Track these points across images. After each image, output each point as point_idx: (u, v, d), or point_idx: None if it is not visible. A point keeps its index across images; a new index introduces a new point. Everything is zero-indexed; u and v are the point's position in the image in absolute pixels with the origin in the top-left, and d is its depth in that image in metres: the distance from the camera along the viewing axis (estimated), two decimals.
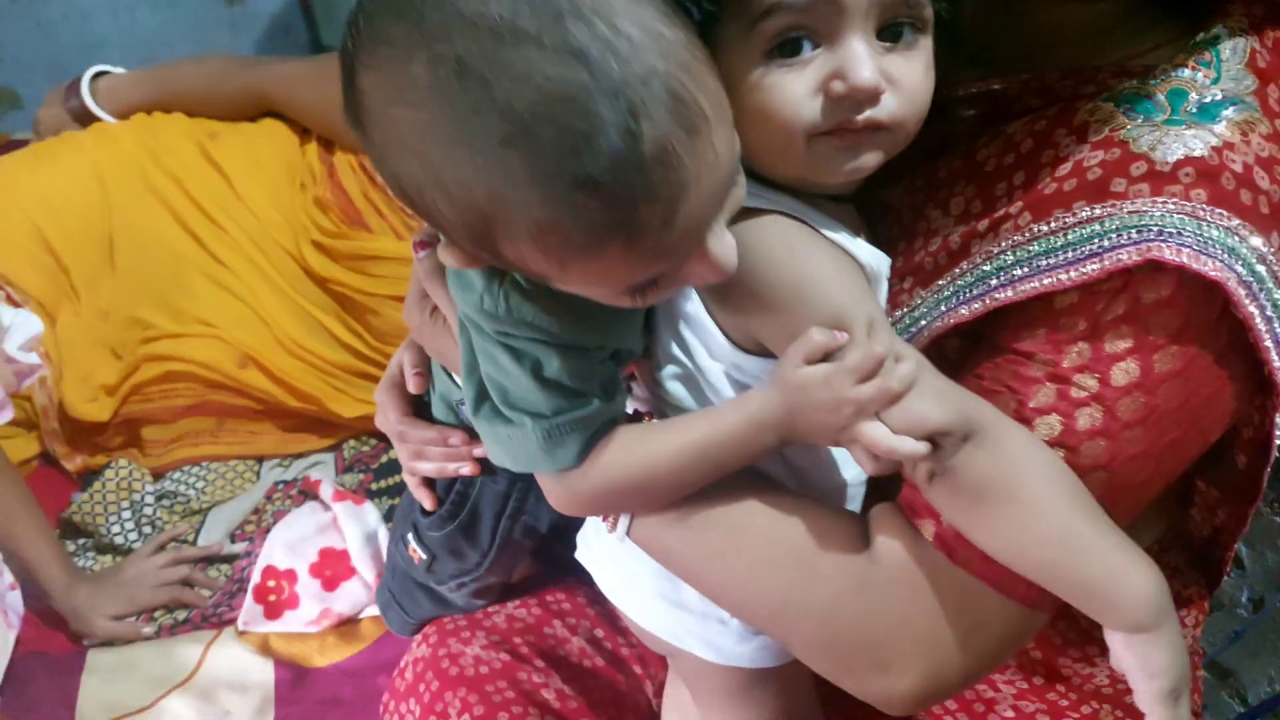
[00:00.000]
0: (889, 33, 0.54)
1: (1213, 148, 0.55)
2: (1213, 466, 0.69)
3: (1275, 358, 0.55)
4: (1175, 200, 0.54)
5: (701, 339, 0.62)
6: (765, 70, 0.54)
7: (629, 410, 0.67)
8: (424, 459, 0.81)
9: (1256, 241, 0.54)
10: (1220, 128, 0.56)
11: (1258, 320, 0.54)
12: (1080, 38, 0.64)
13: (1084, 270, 0.55)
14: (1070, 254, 0.56)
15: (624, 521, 0.67)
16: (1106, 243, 0.55)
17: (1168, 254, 0.53)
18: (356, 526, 1.30)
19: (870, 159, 0.57)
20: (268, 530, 1.34)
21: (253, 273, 1.42)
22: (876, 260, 0.62)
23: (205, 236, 1.43)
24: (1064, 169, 0.59)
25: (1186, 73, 0.59)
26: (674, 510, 0.63)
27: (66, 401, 1.39)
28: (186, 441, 1.45)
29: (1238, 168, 0.54)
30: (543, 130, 0.43)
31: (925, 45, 0.56)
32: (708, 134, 0.47)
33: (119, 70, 1.63)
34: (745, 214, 0.56)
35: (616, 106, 0.43)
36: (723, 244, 0.52)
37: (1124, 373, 0.55)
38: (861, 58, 0.53)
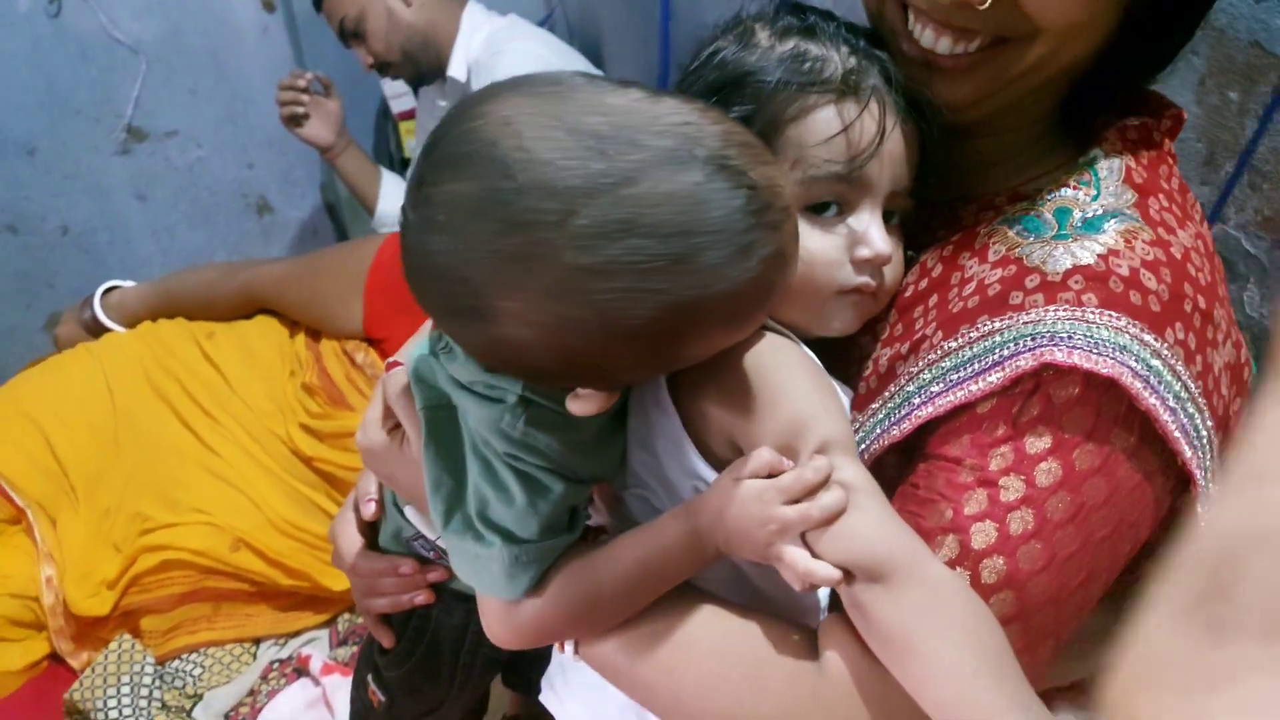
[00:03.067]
0: (886, 214, 0.66)
1: (1099, 255, 0.59)
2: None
3: (1185, 448, 0.57)
4: (1067, 307, 0.58)
5: (675, 456, 0.64)
6: (802, 223, 0.61)
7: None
8: (377, 593, 0.84)
9: (1149, 338, 0.57)
10: (1104, 237, 0.60)
11: (1161, 412, 0.56)
12: (985, 166, 0.72)
13: (989, 380, 0.58)
14: (976, 365, 0.60)
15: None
16: (1006, 351, 0.59)
17: (1059, 356, 0.56)
18: (346, 698, 1.29)
19: (859, 322, 0.67)
20: (260, 710, 1.34)
21: (245, 459, 1.49)
22: (843, 393, 0.68)
23: (201, 430, 1.52)
24: (969, 289, 0.64)
25: (1069, 192, 0.65)
26: (622, 627, 0.63)
27: (69, 599, 1.43)
28: (184, 629, 1.47)
29: (1124, 272, 0.58)
30: (696, 232, 0.49)
31: (901, 230, 0.68)
32: (772, 157, 0.56)
33: (128, 283, 1.78)
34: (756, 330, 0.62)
35: (725, 176, 0.50)
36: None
37: (1047, 473, 0.57)
38: (882, 231, 0.64)
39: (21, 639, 1.48)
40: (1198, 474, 0.58)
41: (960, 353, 0.61)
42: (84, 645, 1.47)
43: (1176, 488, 0.61)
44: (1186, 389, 0.58)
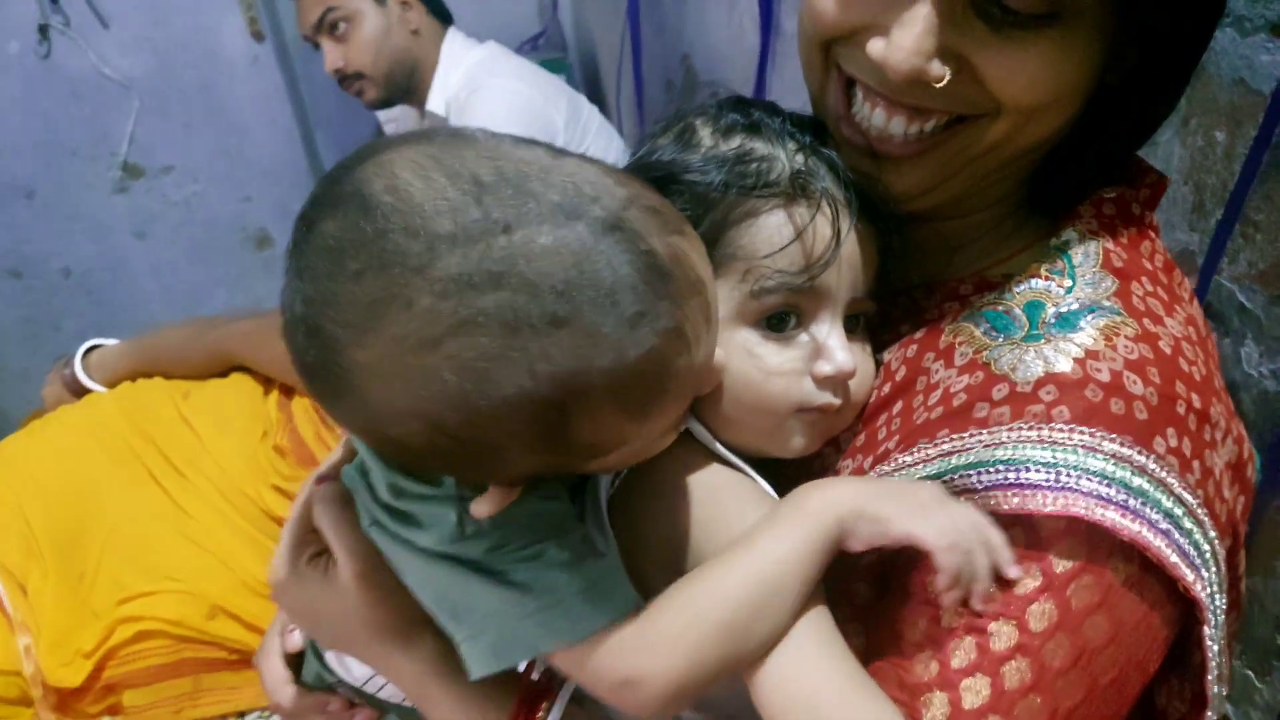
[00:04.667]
0: (850, 320, 0.60)
1: (1075, 359, 0.52)
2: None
3: (1185, 571, 0.50)
4: (1034, 424, 0.51)
5: None
6: (753, 338, 0.57)
7: None
8: None
9: (1133, 453, 0.50)
10: (1081, 336, 0.53)
11: (1150, 537, 0.49)
12: (948, 250, 0.65)
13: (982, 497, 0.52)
14: (975, 478, 0.53)
15: None
16: (969, 477, 0.52)
17: (1012, 499, 0.50)
18: None
19: (819, 442, 0.61)
20: None
21: (218, 521, 1.46)
22: None
23: (174, 491, 1.48)
24: (934, 397, 0.57)
25: (1040, 283, 0.58)
26: None
27: (44, 668, 1.40)
28: (166, 707, 1.44)
29: (1104, 377, 0.51)
30: (576, 292, 0.43)
31: (867, 334, 0.62)
32: (689, 229, 0.50)
33: (110, 342, 1.76)
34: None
35: (621, 240, 0.44)
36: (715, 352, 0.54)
37: (1041, 616, 0.50)
38: (843, 345, 0.57)
39: (10, 713, 1.47)
40: (1202, 596, 0.51)
41: (915, 469, 0.55)
42: (67, 714, 1.45)
43: (1184, 614, 0.54)
44: (1182, 503, 0.51)
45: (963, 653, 0.51)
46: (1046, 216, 0.63)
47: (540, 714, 0.58)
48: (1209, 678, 0.54)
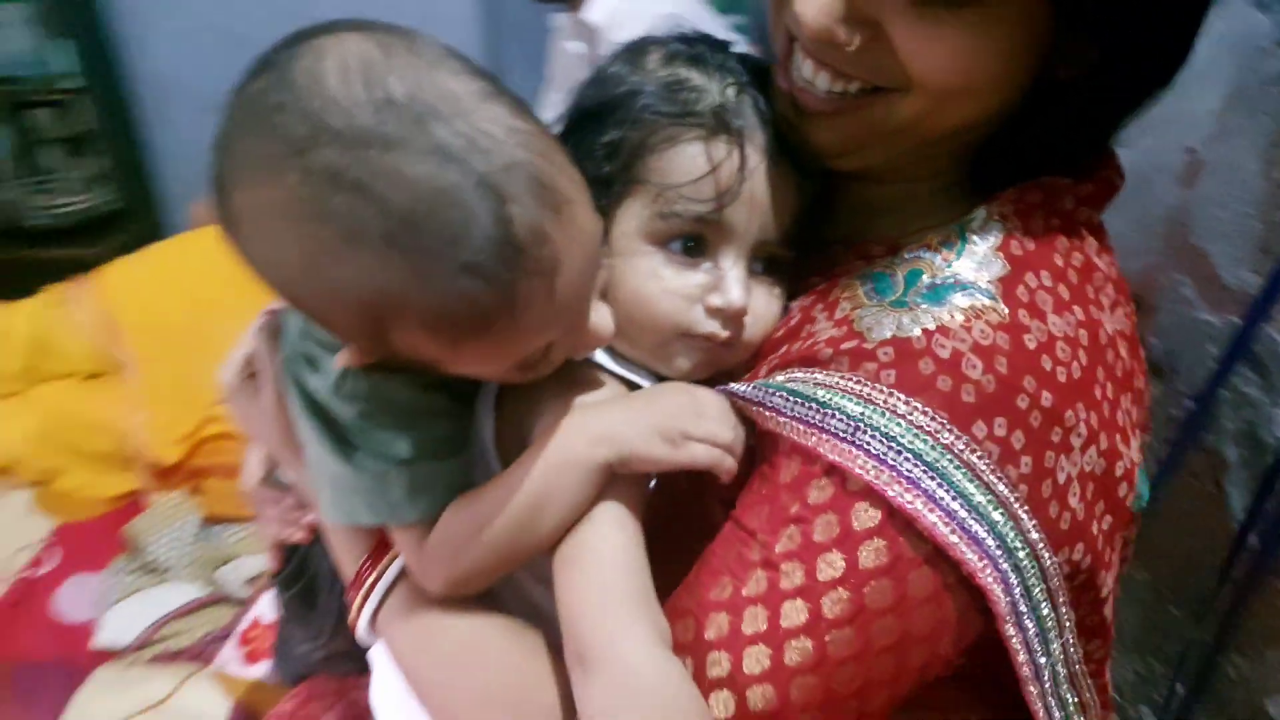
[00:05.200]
0: (760, 262, 0.62)
1: (924, 330, 0.53)
2: None
3: (967, 552, 0.50)
4: (858, 379, 0.53)
5: (480, 452, 0.63)
6: (653, 258, 0.60)
7: None
8: (263, 520, 0.89)
9: (937, 428, 0.51)
10: (941, 311, 0.54)
11: (920, 507, 0.50)
12: (872, 213, 0.65)
13: (781, 421, 0.54)
14: (779, 399, 0.55)
15: (368, 610, 0.66)
16: (795, 406, 0.54)
17: (808, 438, 0.52)
18: None
19: (707, 369, 0.63)
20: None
21: None
22: None
23: None
24: (810, 343, 0.59)
25: (928, 254, 0.59)
26: (418, 613, 0.63)
27: (149, 444, 1.62)
28: (236, 500, 1.63)
29: (944, 354, 0.52)
30: (422, 226, 0.46)
31: (783, 280, 0.64)
32: (571, 212, 0.50)
33: None
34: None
35: (487, 197, 0.46)
36: (601, 318, 0.57)
37: (829, 566, 0.52)
38: (737, 281, 0.60)
39: (116, 472, 1.71)
40: (992, 585, 0.51)
41: (771, 378, 0.58)
42: (162, 487, 1.67)
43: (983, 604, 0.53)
44: (991, 491, 0.51)
45: (754, 583, 0.53)
46: (979, 196, 0.61)
47: (386, 559, 0.64)
48: (1024, 677, 0.53)
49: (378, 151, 0.46)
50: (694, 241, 0.60)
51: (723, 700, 0.52)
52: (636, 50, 0.64)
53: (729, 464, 0.56)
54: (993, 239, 0.57)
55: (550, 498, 0.56)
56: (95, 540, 1.62)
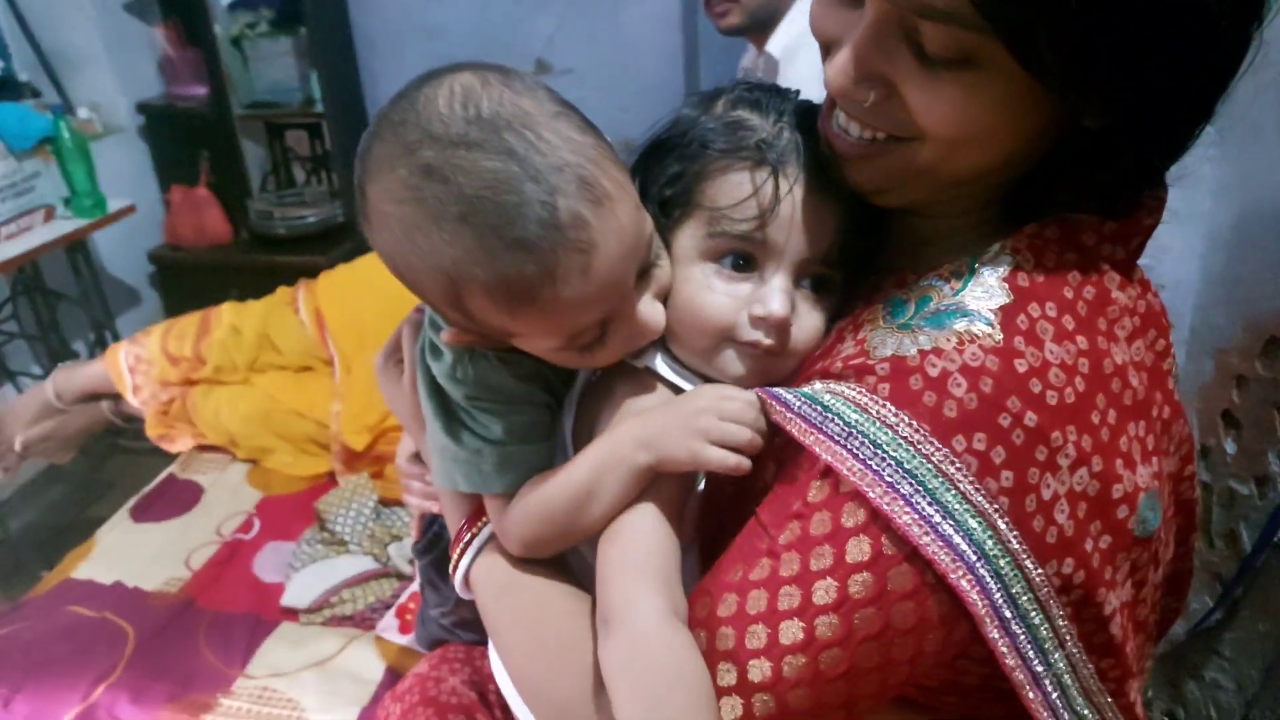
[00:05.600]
0: (809, 280, 0.69)
1: (920, 350, 0.57)
2: None
3: (940, 554, 0.53)
4: (858, 389, 0.58)
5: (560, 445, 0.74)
6: (707, 271, 0.68)
7: None
8: (408, 493, 1.01)
9: (919, 439, 0.54)
10: (940, 334, 0.58)
11: (895, 508, 0.53)
12: (920, 244, 0.69)
13: (797, 427, 0.59)
14: (791, 398, 0.61)
15: (463, 566, 0.77)
16: (806, 408, 0.59)
17: (807, 436, 0.57)
18: None
19: (756, 377, 0.69)
20: None
21: None
22: None
23: None
24: (832, 360, 0.64)
25: (939, 281, 0.63)
26: (501, 568, 0.72)
27: (343, 428, 1.83)
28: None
29: (934, 372, 0.56)
30: (485, 206, 0.57)
31: (831, 299, 0.70)
32: (611, 207, 0.59)
33: None
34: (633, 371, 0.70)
35: (538, 187, 0.57)
36: (652, 310, 0.67)
37: (820, 556, 0.56)
38: (780, 293, 0.67)
39: (315, 454, 1.93)
40: (968, 590, 0.53)
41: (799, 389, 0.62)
42: (349, 470, 1.86)
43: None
44: (968, 501, 0.53)
45: (759, 569, 0.58)
46: (1012, 230, 0.63)
47: (480, 523, 0.74)
48: (1017, 682, 0.55)
49: (463, 151, 0.57)
50: (743, 259, 0.67)
51: (727, 671, 0.57)
52: (710, 96, 0.72)
53: (738, 464, 0.62)
54: (1001, 270, 0.60)
55: (599, 489, 0.64)
56: (292, 513, 1.83)
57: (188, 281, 2.91)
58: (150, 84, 3.01)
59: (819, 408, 0.58)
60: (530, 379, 0.71)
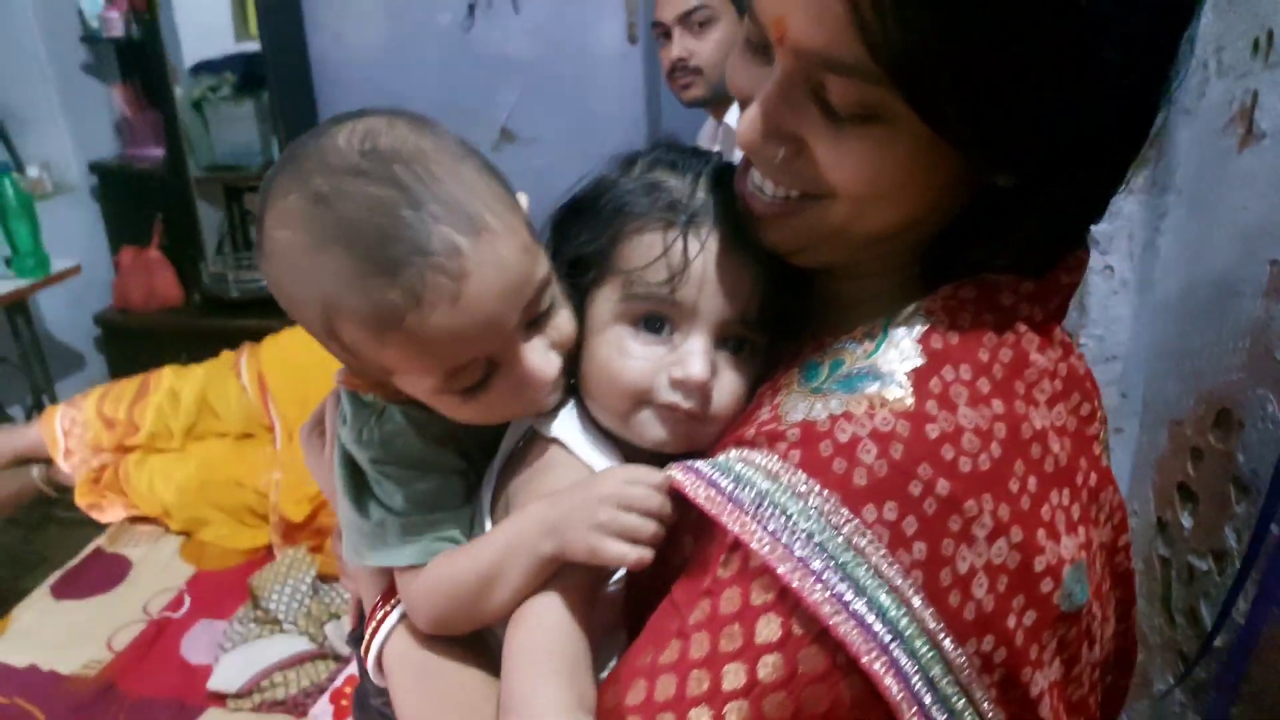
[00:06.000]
0: (730, 343, 0.66)
1: (831, 415, 0.55)
2: None
3: (849, 632, 0.49)
4: (769, 454, 0.55)
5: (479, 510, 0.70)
6: (622, 334, 0.66)
7: None
8: (344, 575, 0.96)
9: (829, 509, 0.52)
10: (851, 398, 0.56)
11: (801, 585, 0.50)
12: (844, 307, 0.67)
13: (704, 497, 0.56)
14: (706, 468, 0.58)
15: (375, 647, 0.73)
16: (718, 479, 0.56)
17: (717, 505, 0.54)
18: None
19: (678, 442, 0.66)
20: None
21: None
22: None
23: None
24: (748, 427, 0.61)
25: (853, 344, 0.61)
26: (415, 650, 0.67)
27: (280, 503, 1.76)
28: None
29: (844, 438, 0.53)
30: (362, 229, 0.55)
31: (754, 362, 0.68)
32: (490, 240, 0.57)
33: None
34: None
35: (416, 213, 0.55)
36: (542, 359, 0.63)
37: (730, 637, 0.52)
38: (699, 355, 0.64)
39: (253, 526, 1.85)
40: (882, 674, 0.49)
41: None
42: (289, 542, 1.79)
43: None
44: (879, 575, 0.50)
45: (669, 651, 0.54)
46: (931, 292, 0.61)
47: (393, 601, 0.69)
48: None
49: (350, 178, 0.56)
50: (658, 321, 0.65)
51: None
52: (630, 158, 0.70)
53: (638, 559, 0.58)
54: (916, 331, 0.58)
55: (504, 573, 0.61)
56: (226, 589, 1.75)
57: (136, 345, 2.83)
58: (106, 144, 2.97)
59: (731, 476, 0.55)
60: (440, 441, 0.67)
